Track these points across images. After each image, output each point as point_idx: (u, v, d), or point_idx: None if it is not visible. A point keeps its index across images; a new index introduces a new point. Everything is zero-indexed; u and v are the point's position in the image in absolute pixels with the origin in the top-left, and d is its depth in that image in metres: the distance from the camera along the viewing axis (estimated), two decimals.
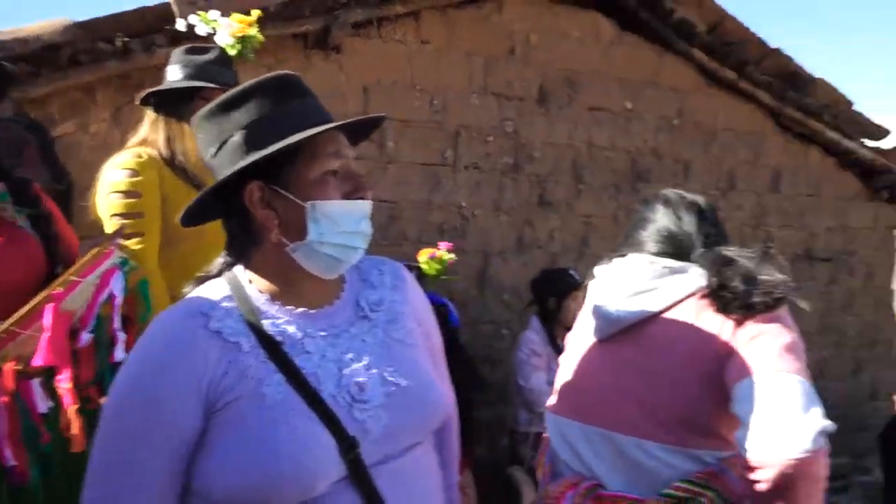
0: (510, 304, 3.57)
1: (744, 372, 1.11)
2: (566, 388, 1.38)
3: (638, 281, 1.29)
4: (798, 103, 4.37)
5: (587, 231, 3.82)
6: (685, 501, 1.14)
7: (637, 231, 1.41)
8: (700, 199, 1.41)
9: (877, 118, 4.63)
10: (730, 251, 1.25)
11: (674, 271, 1.27)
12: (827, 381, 4.78)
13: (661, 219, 1.38)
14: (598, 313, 1.33)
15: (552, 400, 1.41)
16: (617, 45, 3.93)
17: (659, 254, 1.33)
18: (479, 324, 3.54)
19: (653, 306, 1.26)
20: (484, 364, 3.46)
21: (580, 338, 1.40)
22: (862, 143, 4.70)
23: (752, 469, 1.03)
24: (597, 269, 1.42)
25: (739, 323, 1.17)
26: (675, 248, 1.33)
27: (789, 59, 4.28)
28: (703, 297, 1.23)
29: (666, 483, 1.16)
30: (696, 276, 1.25)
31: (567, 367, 1.40)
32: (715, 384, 1.15)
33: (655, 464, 1.18)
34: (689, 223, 1.35)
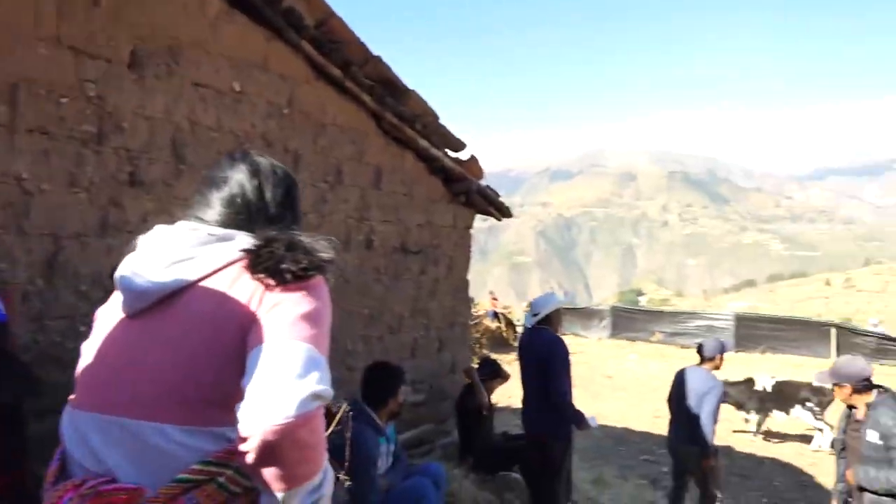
0: (89, 296, 3.01)
1: (255, 341, 1.05)
2: (86, 376, 1.16)
3: (177, 250, 1.16)
4: (395, 110, 4.80)
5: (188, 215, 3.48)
6: (203, 483, 1.03)
7: (210, 189, 1.26)
8: (291, 177, 1.32)
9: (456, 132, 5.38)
10: (297, 233, 1.18)
11: (219, 239, 1.17)
12: (418, 359, 5.38)
13: (243, 182, 1.26)
14: (127, 287, 1.16)
15: (72, 394, 1.17)
16: (225, 22, 3.72)
17: (222, 222, 1.20)
18: (48, 319, 2.91)
19: (189, 275, 1.13)
20: (53, 365, 2.84)
21: (107, 318, 1.20)
22: (446, 152, 5.43)
23: (241, 440, 0.96)
24: (139, 239, 1.22)
25: (269, 289, 1.10)
26: (245, 218, 1.22)
27: (388, 67, 4.66)
28: (243, 262, 1.14)
29: (187, 467, 1.04)
30: (242, 244, 1.16)
31: (89, 352, 1.18)
32: (239, 356, 1.06)
33: (176, 448, 1.05)
34: (272, 198, 1.26)
